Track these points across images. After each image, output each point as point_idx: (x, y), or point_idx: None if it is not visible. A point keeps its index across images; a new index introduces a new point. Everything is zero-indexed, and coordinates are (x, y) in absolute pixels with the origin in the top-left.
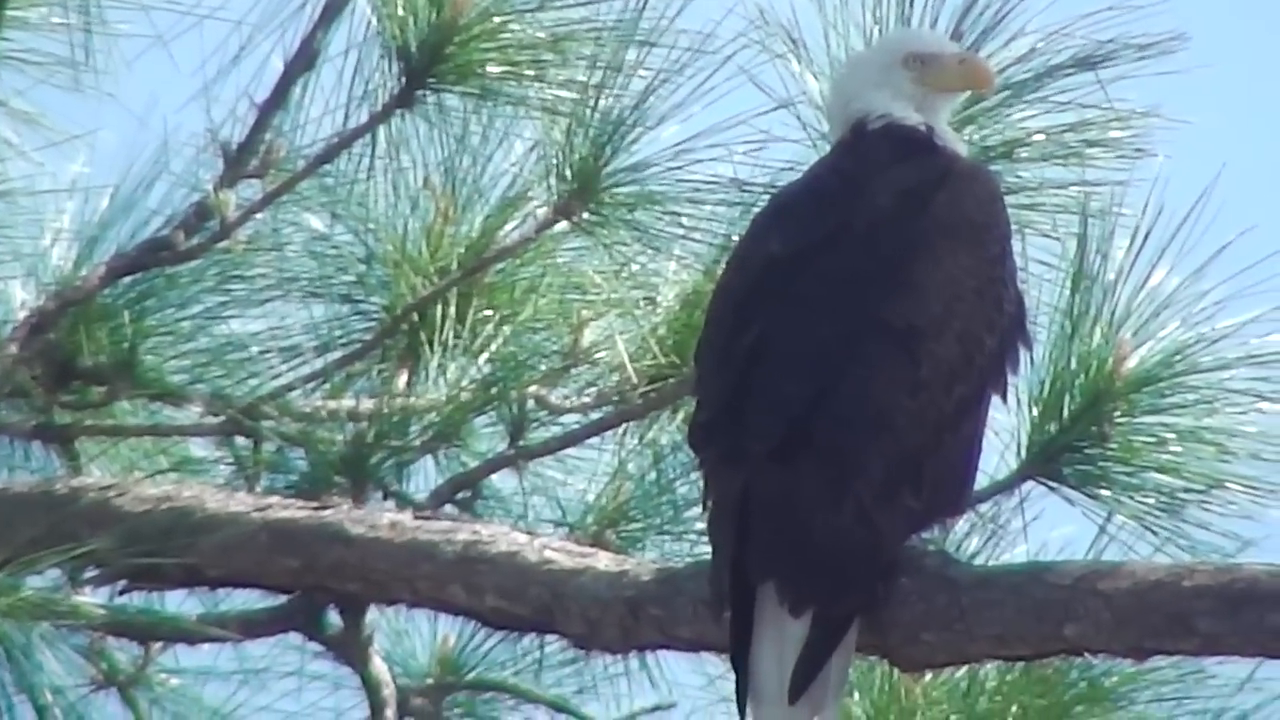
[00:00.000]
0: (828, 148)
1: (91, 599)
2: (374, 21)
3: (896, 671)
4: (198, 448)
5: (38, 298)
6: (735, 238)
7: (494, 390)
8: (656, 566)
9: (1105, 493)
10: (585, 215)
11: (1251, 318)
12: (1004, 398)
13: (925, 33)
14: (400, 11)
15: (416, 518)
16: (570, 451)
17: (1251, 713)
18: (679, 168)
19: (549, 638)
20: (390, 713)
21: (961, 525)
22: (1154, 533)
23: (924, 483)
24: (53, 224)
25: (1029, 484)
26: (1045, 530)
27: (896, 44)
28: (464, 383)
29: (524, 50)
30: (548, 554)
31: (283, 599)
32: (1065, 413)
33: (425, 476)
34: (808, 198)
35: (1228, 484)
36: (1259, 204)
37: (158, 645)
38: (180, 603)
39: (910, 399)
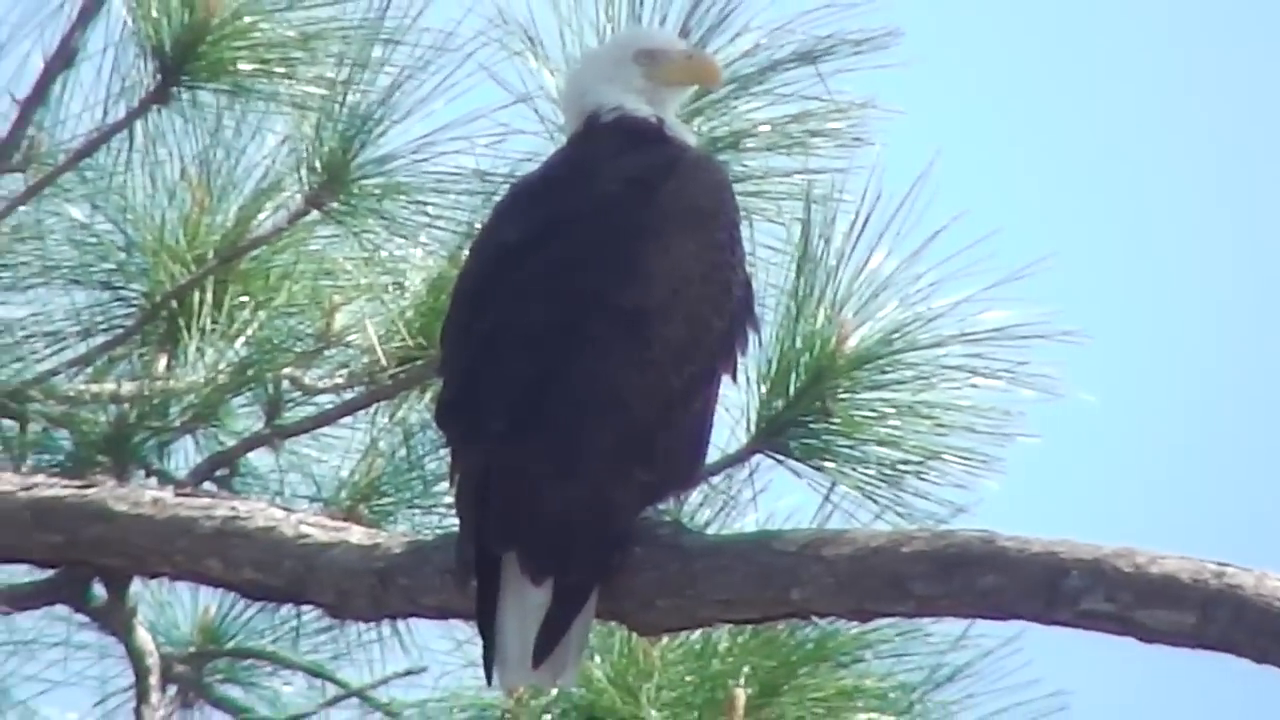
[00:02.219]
0: (565, 140)
1: None
2: (130, 21)
3: (634, 635)
4: None
5: None
6: (477, 225)
7: (250, 372)
8: (406, 539)
9: (829, 465)
10: (335, 205)
11: (965, 297)
12: (734, 376)
13: (655, 30)
14: (154, 12)
15: (177, 494)
16: (324, 430)
17: (964, 668)
18: (424, 159)
19: (305, 607)
20: (154, 680)
21: (694, 497)
22: (875, 501)
23: (656, 457)
24: None
25: (758, 457)
26: (773, 501)
27: (628, 41)
28: (221, 365)
29: (274, 48)
30: (303, 528)
31: (50, 573)
32: (791, 390)
33: (185, 455)
34: (543, 186)
35: (943, 455)
36: (971, 190)
37: None
38: None
39: (640, 377)
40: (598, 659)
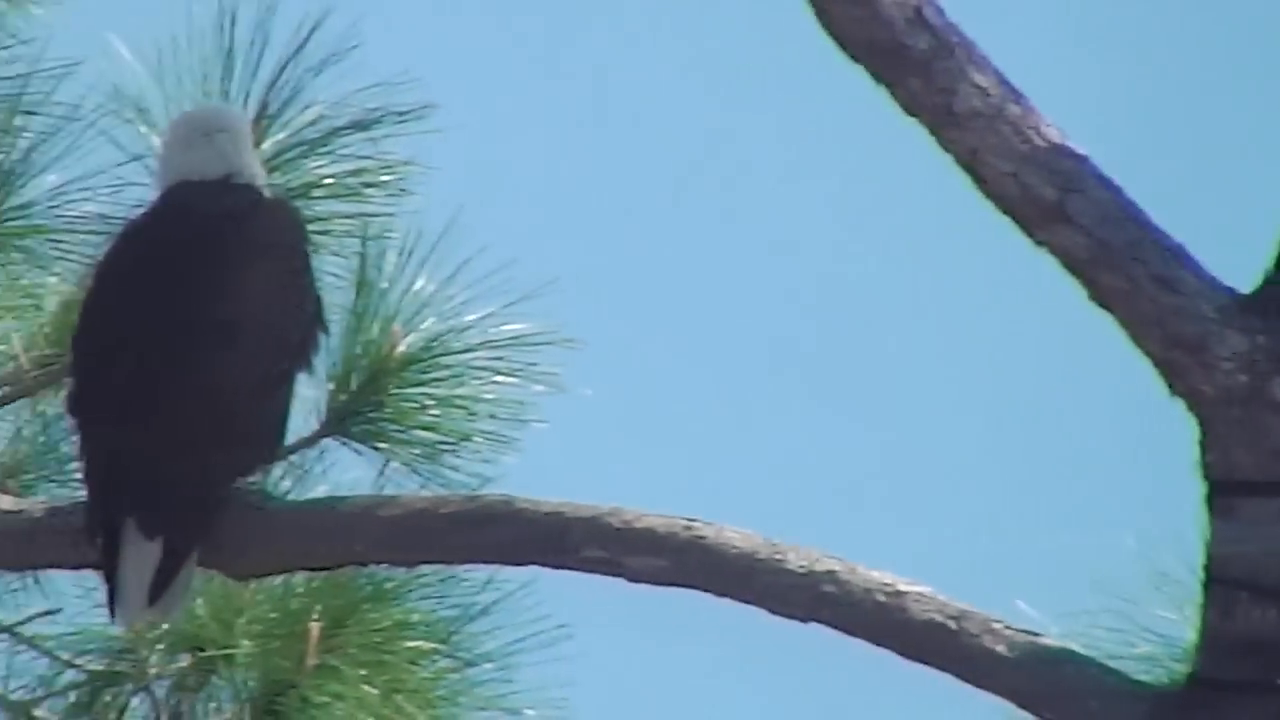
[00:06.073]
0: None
1: None
2: None
3: (229, 580)
4: None
5: None
6: (99, 258)
7: None
8: (46, 506)
9: (384, 446)
10: None
11: (488, 313)
12: (309, 373)
13: (229, 109)
14: None
15: None
16: None
17: (492, 606)
18: (56, 206)
19: None
20: None
21: (276, 471)
22: (420, 475)
23: (244, 439)
24: None
25: (327, 440)
26: (340, 475)
27: (212, 117)
28: None
29: None
30: None
31: None
32: (353, 385)
33: None
34: (150, 225)
35: (473, 438)
36: (491, 229)
37: None
38: None
39: (228, 375)
40: (200, 600)
